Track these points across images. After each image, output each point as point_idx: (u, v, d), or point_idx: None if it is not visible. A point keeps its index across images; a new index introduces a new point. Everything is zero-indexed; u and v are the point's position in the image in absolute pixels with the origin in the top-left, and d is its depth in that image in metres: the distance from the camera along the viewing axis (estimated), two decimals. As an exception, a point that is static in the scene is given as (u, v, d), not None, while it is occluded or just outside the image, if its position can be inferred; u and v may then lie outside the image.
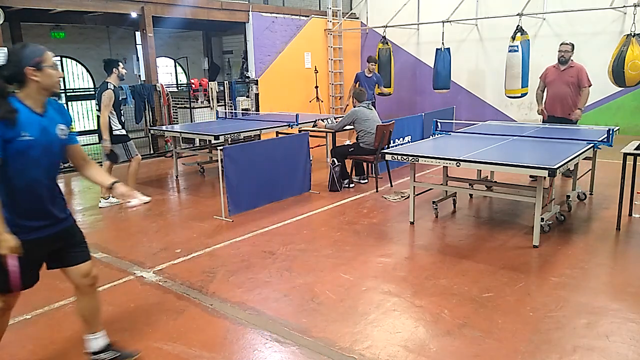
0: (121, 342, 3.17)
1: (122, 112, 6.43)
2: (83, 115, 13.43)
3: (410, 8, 12.43)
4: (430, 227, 5.27)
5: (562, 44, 6.55)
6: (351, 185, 6.92)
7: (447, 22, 11.01)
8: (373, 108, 6.93)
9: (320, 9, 13.25)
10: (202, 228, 5.37)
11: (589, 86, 6.46)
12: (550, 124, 6.66)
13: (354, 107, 6.96)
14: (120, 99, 9.11)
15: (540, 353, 2.91)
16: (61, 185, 7.79)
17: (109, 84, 6.04)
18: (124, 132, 6.26)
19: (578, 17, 10.10)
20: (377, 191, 6.62)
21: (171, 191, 7.11)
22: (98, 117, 6.10)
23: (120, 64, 6.17)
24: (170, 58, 15.40)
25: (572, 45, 6.52)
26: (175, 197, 6.91)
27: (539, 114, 6.99)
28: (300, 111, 9.29)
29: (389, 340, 3.11)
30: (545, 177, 4.23)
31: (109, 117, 6.06)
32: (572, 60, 6.56)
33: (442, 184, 5.74)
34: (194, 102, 10.53)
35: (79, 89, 13.29)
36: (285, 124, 7.85)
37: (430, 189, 6.04)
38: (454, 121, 7.79)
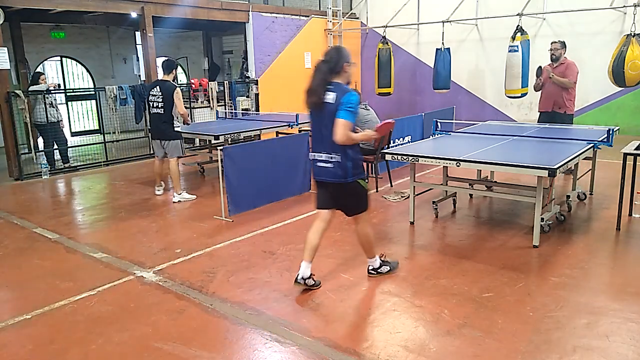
0: (121, 342, 3.18)
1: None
2: (83, 115, 13.43)
3: (410, 8, 12.43)
4: (430, 227, 5.27)
5: (552, 42, 6.85)
6: (351, 185, 6.90)
7: (447, 22, 11.00)
8: (370, 108, 6.91)
9: (320, 9, 13.24)
10: (202, 228, 5.37)
11: (572, 81, 6.71)
12: (543, 120, 6.98)
13: None
14: (120, 98, 9.19)
15: (540, 353, 2.91)
16: (61, 185, 7.84)
17: (168, 82, 6.38)
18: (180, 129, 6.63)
19: (578, 17, 10.09)
20: (377, 191, 6.62)
21: (171, 191, 7.10)
22: (159, 113, 6.39)
23: (178, 66, 6.45)
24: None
25: (562, 43, 6.77)
26: (175, 197, 6.90)
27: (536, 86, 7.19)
28: (300, 111, 9.28)
29: (389, 340, 3.11)
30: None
31: (172, 116, 6.42)
32: (565, 57, 6.82)
33: (442, 184, 5.74)
34: (194, 102, 10.53)
35: (79, 89, 13.29)
36: (285, 124, 7.84)
37: (430, 189, 6.04)
38: (454, 121, 7.79)
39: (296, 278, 3.75)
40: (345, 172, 3.59)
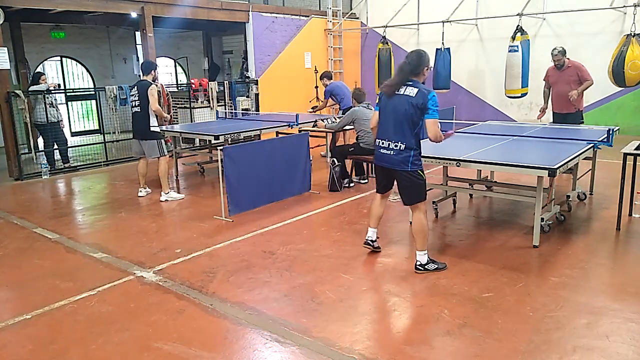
0: (121, 342, 3.18)
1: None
2: (83, 115, 13.43)
3: (410, 8, 12.43)
4: (430, 227, 5.25)
5: (552, 53, 6.86)
6: (351, 185, 6.92)
7: (447, 22, 11.00)
8: (372, 108, 6.92)
9: (320, 9, 13.24)
10: (202, 228, 5.37)
11: (591, 80, 6.77)
12: (557, 120, 7.06)
13: (354, 107, 6.96)
14: (120, 98, 9.19)
15: (540, 353, 2.91)
16: (61, 185, 7.84)
17: (145, 81, 6.40)
18: (159, 129, 6.62)
19: (578, 17, 10.09)
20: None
21: (171, 191, 7.10)
22: (136, 112, 6.43)
23: (158, 66, 6.75)
24: (170, 58, 15.39)
25: (561, 51, 6.81)
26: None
27: (540, 111, 7.33)
28: (300, 111, 9.29)
29: (389, 340, 3.11)
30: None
31: (149, 114, 6.37)
32: (568, 59, 6.87)
33: (442, 184, 5.74)
34: (194, 102, 10.53)
35: (79, 89, 13.29)
36: (285, 124, 7.84)
37: (430, 189, 6.02)
38: (454, 121, 7.79)
39: (365, 241, 4.41)
40: (407, 161, 3.91)
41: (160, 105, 6.53)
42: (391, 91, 3.93)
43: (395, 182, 4.18)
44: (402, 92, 3.89)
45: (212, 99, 10.55)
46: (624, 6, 9.36)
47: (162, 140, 6.62)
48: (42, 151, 8.81)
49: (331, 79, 9.32)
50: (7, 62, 7.85)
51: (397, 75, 3.96)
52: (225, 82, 10.97)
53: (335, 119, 7.95)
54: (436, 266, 4.06)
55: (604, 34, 9.97)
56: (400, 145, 3.90)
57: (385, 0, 13.02)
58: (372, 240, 4.44)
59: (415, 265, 4.06)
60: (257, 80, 11.34)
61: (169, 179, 6.76)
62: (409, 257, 4.48)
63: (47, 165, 8.44)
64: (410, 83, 3.90)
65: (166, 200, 6.48)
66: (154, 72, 6.53)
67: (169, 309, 3.58)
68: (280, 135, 7.70)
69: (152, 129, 6.43)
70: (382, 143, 4.02)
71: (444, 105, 11.16)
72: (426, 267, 4.04)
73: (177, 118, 10.63)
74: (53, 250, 4.90)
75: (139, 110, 6.38)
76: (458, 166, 4.62)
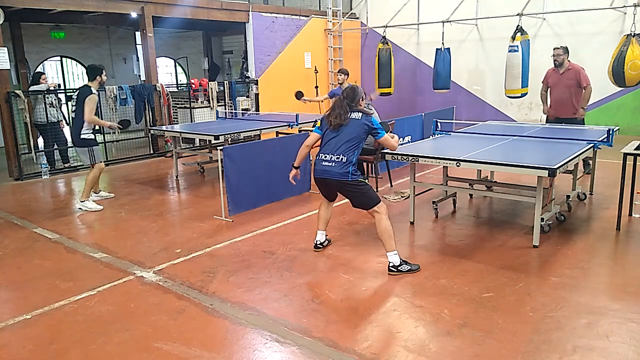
0: (121, 342, 3.18)
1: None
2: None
3: (410, 8, 12.42)
4: (430, 227, 5.27)
5: (554, 48, 6.87)
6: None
7: (447, 22, 11.00)
8: (373, 109, 6.91)
9: (320, 9, 13.24)
10: (202, 228, 5.37)
11: (588, 85, 6.74)
12: (556, 124, 6.93)
13: None
14: (120, 98, 9.18)
15: (540, 353, 2.91)
16: (61, 185, 7.83)
17: (87, 86, 6.13)
18: (92, 136, 6.31)
19: (578, 17, 10.10)
20: (377, 191, 6.61)
21: (171, 191, 7.12)
22: (73, 118, 6.20)
23: (104, 71, 6.31)
24: (170, 58, 15.40)
25: (564, 49, 6.81)
26: (175, 197, 6.91)
27: (544, 113, 7.33)
28: (300, 111, 9.29)
29: (389, 340, 3.11)
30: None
31: (82, 121, 6.09)
32: (569, 61, 6.84)
33: (442, 184, 5.74)
34: (194, 102, 10.53)
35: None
36: (285, 124, 7.84)
37: (430, 189, 6.04)
38: (454, 121, 7.78)
39: (315, 244, 4.59)
40: (347, 172, 4.09)
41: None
42: (340, 125, 4.17)
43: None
44: (350, 117, 4.19)
45: (212, 99, 10.55)
46: (624, 6, 9.36)
47: (96, 148, 6.32)
48: (42, 151, 8.81)
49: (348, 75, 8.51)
50: (7, 62, 7.85)
51: (341, 110, 4.21)
52: (225, 82, 10.97)
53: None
54: (409, 267, 4.07)
55: (604, 34, 9.97)
56: (343, 158, 4.09)
57: (385, 0, 13.02)
58: (321, 243, 4.61)
59: (388, 266, 4.07)
60: (257, 80, 11.34)
61: (91, 189, 6.46)
62: (409, 257, 4.47)
63: (47, 165, 8.44)
64: (354, 110, 4.24)
65: (80, 209, 6.19)
66: (100, 77, 6.18)
67: (169, 309, 3.58)
68: (280, 135, 7.71)
69: (82, 136, 6.12)
70: (325, 157, 4.17)
71: (444, 105, 11.21)
72: (399, 268, 4.04)
73: (177, 118, 10.63)
74: (53, 250, 4.90)
75: (75, 117, 6.12)
76: (458, 166, 4.62)
